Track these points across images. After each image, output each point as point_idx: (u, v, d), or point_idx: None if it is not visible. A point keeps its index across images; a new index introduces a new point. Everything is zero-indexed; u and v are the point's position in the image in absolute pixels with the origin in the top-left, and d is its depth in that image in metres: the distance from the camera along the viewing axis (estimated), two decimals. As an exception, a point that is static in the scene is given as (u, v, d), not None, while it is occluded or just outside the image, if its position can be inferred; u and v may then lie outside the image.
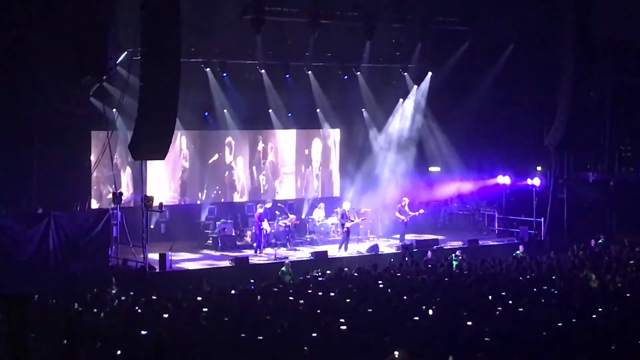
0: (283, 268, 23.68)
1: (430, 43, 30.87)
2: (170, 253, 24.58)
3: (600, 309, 17.56)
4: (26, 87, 25.06)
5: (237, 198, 30.76)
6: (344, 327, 15.98)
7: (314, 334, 15.55)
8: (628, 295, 19.32)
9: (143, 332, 15.80)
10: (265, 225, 27.41)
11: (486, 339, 15.32)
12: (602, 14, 29.19)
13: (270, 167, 31.48)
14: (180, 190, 29.77)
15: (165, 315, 17.51)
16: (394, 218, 29.92)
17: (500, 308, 17.93)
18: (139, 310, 18.33)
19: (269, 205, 28.45)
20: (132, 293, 20.69)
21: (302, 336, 15.51)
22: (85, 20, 23.98)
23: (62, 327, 15.84)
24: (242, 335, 15.79)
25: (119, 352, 14.69)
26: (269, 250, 27.35)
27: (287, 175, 31.83)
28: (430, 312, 17.46)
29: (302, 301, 18.82)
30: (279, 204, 29.42)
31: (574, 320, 16.74)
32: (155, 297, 19.82)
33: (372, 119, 32.47)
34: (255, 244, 27.58)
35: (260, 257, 26.75)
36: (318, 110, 31.71)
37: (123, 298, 20.25)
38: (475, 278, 21.53)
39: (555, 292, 19.84)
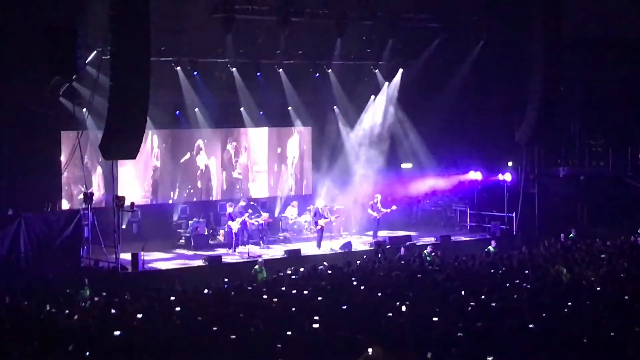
0: (256, 266, 23.64)
1: (401, 40, 30.96)
2: (142, 253, 24.47)
3: (571, 303, 17.67)
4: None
5: (209, 197, 30.65)
6: (316, 326, 15.96)
7: (288, 332, 15.54)
8: (599, 289, 19.45)
9: (116, 333, 15.71)
10: (233, 224, 27.31)
11: (459, 334, 15.37)
12: (571, 10, 29.37)
13: (243, 166, 31.41)
14: (152, 189, 29.64)
15: (139, 316, 17.42)
16: (367, 215, 29.97)
17: (473, 303, 17.99)
18: (112, 311, 18.23)
19: (243, 203, 28.45)
20: (104, 294, 20.58)
21: (276, 334, 15.49)
22: (53, 19, 23.85)
23: (34, 329, 15.80)
24: (216, 334, 15.76)
25: (90, 352, 14.60)
26: (242, 248, 27.33)
27: (259, 173, 31.77)
28: (404, 308, 17.50)
29: (275, 299, 18.81)
30: (251, 202, 29.38)
31: (545, 314, 16.84)
32: (128, 298, 19.73)
33: (344, 116, 32.51)
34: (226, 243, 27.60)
35: (234, 256, 26.70)
36: (290, 108, 31.70)
37: (96, 299, 20.14)
38: (448, 274, 21.59)
39: (528, 286, 19.94)
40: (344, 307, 17.77)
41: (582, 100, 32.43)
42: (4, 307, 18.43)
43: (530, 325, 15.89)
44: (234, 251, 27.07)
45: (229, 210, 27.70)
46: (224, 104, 30.29)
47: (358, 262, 24.28)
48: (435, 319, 16.48)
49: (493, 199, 31.69)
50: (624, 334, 15.25)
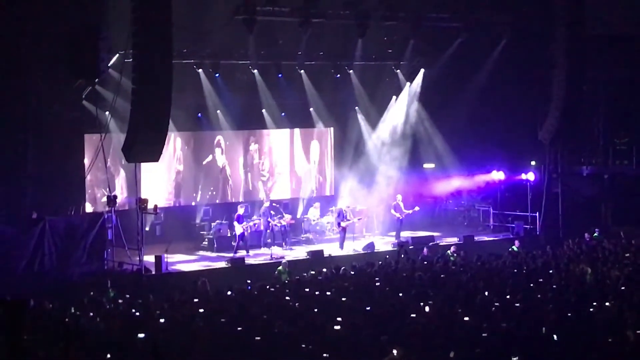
0: (280, 267, 23.66)
1: (423, 40, 30.85)
2: (165, 255, 24.54)
3: (596, 303, 17.56)
4: (18, 91, 24.98)
5: (229, 198, 30.69)
6: (337, 327, 15.93)
7: (312, 333, 15.53)
8: (623, 288, 19.32)
9: (140, 335, 15.76)
10: (237, 227, 27.27)
11: (484, 334, 15.31)
12: (594, 7, 29.20)
13: (265, 167, 31.43)
14: (175, 192, 29.71)
15: (162, 319, 17.46)
16: (390, 215, 29.91)
17: (497, 303, 17.93)
18: (136, 313, 18.30)
19: (267, 204, 28.53)
20: (128, 296, 20.66)
21: (299, 335, 15.49)
22: (76, 23, 23.97)
23: (59, 332, 15.86)
24: (240, 335, 15.77)
25: (114, 354, 14.66)
26: (264, 250, 27.36)
27: (281, 174, 31.78)
28: (427, 308, 17.45)
29: (298, 300, 18.81)
30: (274, 204, 29.38)
31: (570, 314, 16.76)
32: (151, 300, 19.79)
33: (366, 116, 32.47)
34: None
35: (257, 257, 26.72)
36: (311, 109, 31.72)
37: (120, 301, 20.22)
38: (472, 274, 21.52)
39: (553, 286, 19.83)
40: (368, 308, 17.75)
41: (605, 98, 32.23)
42: (29, 310, 18.51)
43: (556, 318, 15.89)
44: (235, 254, 26.76)
45: (240, 211, 27.68)
46: (245, 106, 30.33)
47: (380, 262, 24.25)
48: (460, 319, 16.43)
49: (516, 199, 31.57)
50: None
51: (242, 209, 27.87)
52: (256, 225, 28.25)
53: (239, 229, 27.24)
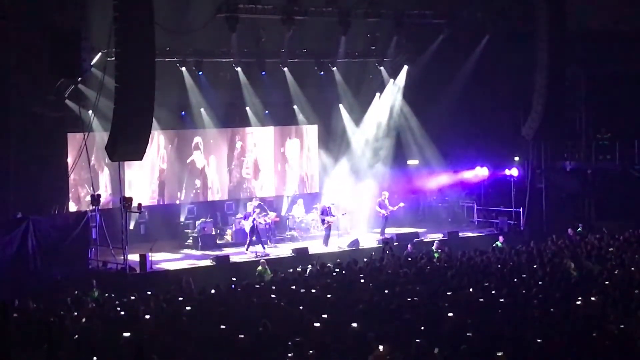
0: (259, 267, 23.60)
1: (406, 37, 30.90)
2: (150, 254, 24.49)
3: (580, 298, 17.65)
4: (1, 91, 24.88)
5: (216, 197, 30.65)
6: (317, 324, 15.94)
7: (297, 331, 15.54)
8: (607, 282, 19.42)
9: (125, 334, 15.73)
10: (245, 223, 27.42)
11: (469, 330, 15.35)
12: (575, 3, 29.32)
13: (249, 165, 31.39)
14: (159, 190, 29.62)
15: (147, 317, 17.44)
16: (374, 212, 29.94)
17: (481, 299, 17.99)
18: (121, 313, 18.27)
19: (255, 203, 28.52)
20: (112, 295, 20.62)
21: (285, 333, 15.49)
22: (58, 22, 23.88)
23: (43, 332, 15.82)
24: (224, 333, 15.76)
25: (99, 354, 14.62)
26: (252, 248, 27.35)
27: (265, 172, 31.75)
28: (412, 305, 17.48)
29: (283, 298, 18.81)
30: (258, 202, 29.33)
31: (554, 309, 16.83)
32: (136, 298, 19.75)
33: (350, 113, 32.47)
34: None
35: (242, 255, 26.70)
36: (295, 106, 31.69)
37: (104, 301, 20.17)
38: (456, 270, 21.58)
39: (537, 281, 19.90)
40: (353, 305, 17.76)
41: (587, 93, 32.32)
42: (13, 310, 18.47)
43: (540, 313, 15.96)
44: (247, 250, 27.05)
45: (249, 209, 27.72)
46: (229, 104, 30.32)
47: (365, 259, 24.28)
48: (445, 315, 16.47)
49: (500, 195, 31.67)
50: (634, 327, 15.23)
51: (250, 207, 27.85)
52: (241, 224, 28.23)
53: (247, 225, 27.23)
